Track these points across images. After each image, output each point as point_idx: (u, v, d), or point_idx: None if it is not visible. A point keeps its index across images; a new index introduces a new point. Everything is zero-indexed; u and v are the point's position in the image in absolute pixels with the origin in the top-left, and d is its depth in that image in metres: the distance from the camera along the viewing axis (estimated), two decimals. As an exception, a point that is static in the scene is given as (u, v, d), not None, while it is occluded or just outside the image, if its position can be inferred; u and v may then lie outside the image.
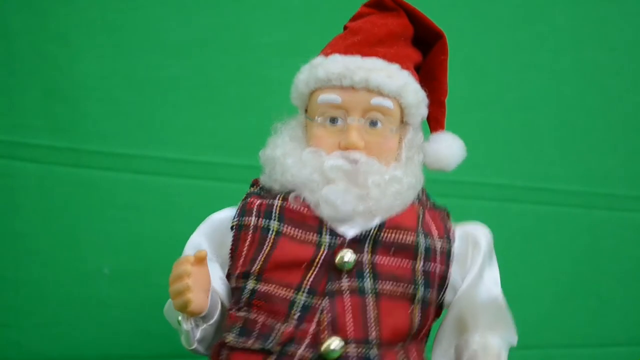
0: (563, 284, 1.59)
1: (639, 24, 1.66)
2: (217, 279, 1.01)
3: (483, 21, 1.55)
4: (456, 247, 1.02)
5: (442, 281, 1.00)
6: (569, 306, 1.59)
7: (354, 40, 1.04)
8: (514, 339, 1.02)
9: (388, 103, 1.01)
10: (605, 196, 1.63)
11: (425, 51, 1.09)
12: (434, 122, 1.08)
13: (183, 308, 0.92)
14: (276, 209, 1.00)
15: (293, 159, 1.01)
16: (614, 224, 1.63)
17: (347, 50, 1.03)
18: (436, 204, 1.07)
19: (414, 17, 1.07)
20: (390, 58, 1.02)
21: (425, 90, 1.05)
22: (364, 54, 1.02)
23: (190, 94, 1.36)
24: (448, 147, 1.06)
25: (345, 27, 1.08)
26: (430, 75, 1.07)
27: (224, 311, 1.01)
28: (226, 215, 1.04)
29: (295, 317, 0.95)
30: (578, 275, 1.60)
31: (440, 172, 1.06)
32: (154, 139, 1.34)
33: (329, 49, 1.05)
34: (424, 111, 1.05)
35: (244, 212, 1.02)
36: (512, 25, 1.57)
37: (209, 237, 1.04)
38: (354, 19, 1.08)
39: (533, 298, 1.54)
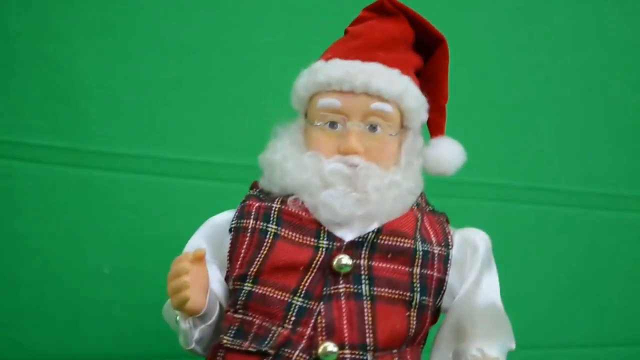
0: (563, 284, 1.59)
1: (639, 24, 1.66)
2: (215, 281, 1.01)
3: (483, 21, 1.55)
4: (454, 253, 1.01)
5: (440, 286, 1.00)
6: (569, 306, 1.59)
7: (354, 45, 1.03)
8: (512, 344, 1.01)
9: (388, 108, 1.01)
10: (605, 196, 1.63)
11: (426, 56, 1.08)
12: (434, 127, 1.08)
13: (181, 305, 0.92)
14: (274, 212, 1.00)
15: (293, 163, 1.00)
16: (614, 224, 1.63)
17: (347, 54, 1.02)
18: (435, 209, 1.06)
19: (414, 21, 1.06)
20: (390, 63, 1.02)
21: (425, 95, 1.04)
22: (364, 58, 1.02)
23: (190, 94, 1.36)
24: (448, 152, 1.05)
25: (345, 31, 1.08)
26: (431, 80, 1.07)
27: (222, 313, 1.00)
28: (225, 217, 1.04)
29: (292, 320, 0.94)
30: (578, 275, 1.60)
31: (440, 176, 1.06)
32: (154, 139, 1.34)
33: (329, 54, 1.04)
34: (424, 116, 1.05)
35: (242, 214, 1.01)
36: (512, 25, 1.57)
37: (208, 239, 1.04)
38: (355, 23, 1.08)
39: (533, 298, 1.54)
